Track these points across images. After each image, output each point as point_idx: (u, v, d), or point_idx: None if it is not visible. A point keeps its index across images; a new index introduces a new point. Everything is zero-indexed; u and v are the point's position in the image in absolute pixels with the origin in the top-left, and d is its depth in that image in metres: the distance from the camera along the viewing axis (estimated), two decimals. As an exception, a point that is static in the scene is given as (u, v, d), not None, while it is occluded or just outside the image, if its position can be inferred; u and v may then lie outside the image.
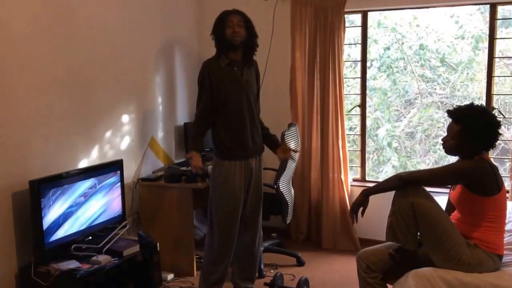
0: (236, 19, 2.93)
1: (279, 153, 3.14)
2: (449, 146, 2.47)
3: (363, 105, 4.30)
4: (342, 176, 4.15)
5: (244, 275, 3.20)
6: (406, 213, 2.35)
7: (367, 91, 4.42)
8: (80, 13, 3.18)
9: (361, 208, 2.49)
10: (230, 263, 3.10)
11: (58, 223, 2.80)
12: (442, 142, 2.52)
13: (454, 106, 2.52)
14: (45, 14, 2.91)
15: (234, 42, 2.92)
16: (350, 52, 5.16)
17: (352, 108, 4.39)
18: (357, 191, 2.61)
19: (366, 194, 2.48)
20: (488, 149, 2.50)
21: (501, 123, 2.45)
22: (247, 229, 3.12)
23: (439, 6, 4.26)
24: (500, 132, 2.41)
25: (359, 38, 4.29)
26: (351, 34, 4.68)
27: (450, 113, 2.48)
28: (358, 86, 4.35)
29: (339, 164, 4.14)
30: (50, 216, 2.74)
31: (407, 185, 2.40)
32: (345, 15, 4.06)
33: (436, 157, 5.59)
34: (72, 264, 2.76)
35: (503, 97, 5.15)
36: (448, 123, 2.51)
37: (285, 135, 3.46)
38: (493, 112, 3.15)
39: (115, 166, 3.28)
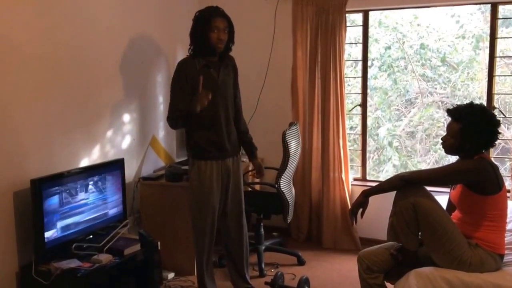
0: (223, 25, 2.86)
1: (254, 167, 3.30)
2: (449, 145, 2.47)
3: (364, 105, 4.29)
4: (343, 175, 4.15)
5: (238, 274, 3.23)
6: (408, 213, 2.35)
7: (368, 91, 4.42)
8: (81, 13, 3.17)
9: (361, 210, 2.50)
10: (210, 260, 3.12)
11: (59, 222, 2.80)
12: (442, 141, 2.52)
13: (454, 105, 2.52)
14: (47, 14, 2.91)
15: (218, 49, 2.88)
16: (351, 51, 5.17)
17: (353, 108, 4.38)
18: (358, 190, 2.61)
19: (366, 194, 2.48)
20: (488, 148, 2.50)
21: (501, 122, 2.45)
22: (231, 229, 3.12)
23: (440, 6, 4.26)
24: (500, 130, 2.41)
25: (360, 38, 4.29)
26: (352, 33, 4.68)
27: (449, 112, 2.48)
28: (359, 85, 4.35)
29: (340, 163, 4.14)
30: (51, 215, 2.74)
31: (408, 185, 2.40)
32: (346, 15, 4.05)
33: (437, 157, 5.59)
34: (73, 263, 2.75)
35: (504, 97, 5.15)
36: (448, 122, 2.51)
37: (286, 135, 3.47)
38: (494, 112, 3.15)
39: (116, 165, 3.27)
